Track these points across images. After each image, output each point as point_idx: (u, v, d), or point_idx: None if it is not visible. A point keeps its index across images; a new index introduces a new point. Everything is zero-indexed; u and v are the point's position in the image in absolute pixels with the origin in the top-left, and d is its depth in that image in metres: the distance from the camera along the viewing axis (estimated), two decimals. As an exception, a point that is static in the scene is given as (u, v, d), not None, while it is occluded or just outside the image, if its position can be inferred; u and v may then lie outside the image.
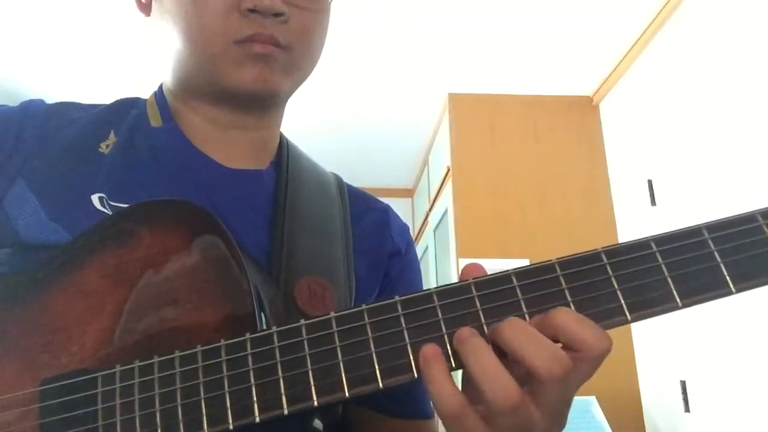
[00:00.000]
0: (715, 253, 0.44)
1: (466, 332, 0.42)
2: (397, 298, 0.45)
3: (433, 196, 3.79)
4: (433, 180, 3.89)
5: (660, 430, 2.58)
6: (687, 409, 2.35)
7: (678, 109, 2.49)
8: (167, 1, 0.65)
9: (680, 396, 2.38)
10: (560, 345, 0.42)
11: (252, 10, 0.61)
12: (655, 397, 2.65)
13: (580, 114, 3.33)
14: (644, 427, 2.68)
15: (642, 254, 0.45)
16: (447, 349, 0.43)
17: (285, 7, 0.62)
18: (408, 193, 4.85)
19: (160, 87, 0.74)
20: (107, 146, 0.65)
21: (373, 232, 0.75)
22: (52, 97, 0.69)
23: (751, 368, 2.00)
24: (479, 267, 0.46)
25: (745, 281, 0.43)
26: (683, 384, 2.38)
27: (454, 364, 0.43)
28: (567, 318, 0.41)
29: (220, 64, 0.63)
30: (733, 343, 2.09)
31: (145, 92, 0.76)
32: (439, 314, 0.44)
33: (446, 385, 0.41)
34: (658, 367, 2.62)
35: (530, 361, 0.40)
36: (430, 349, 0.42)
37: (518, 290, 0.44)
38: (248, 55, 0.63)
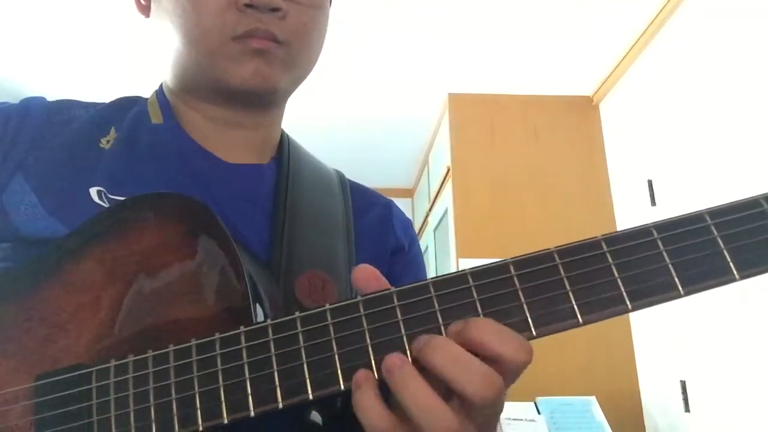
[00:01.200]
0: (718, 239, 0.43)
1: (394, 362, 0.41)
2: (392, 289, 0.44)
3: (433, 196, 3.78)
4: (433, 180, 3.88)
5: (660, 430, 2.58)
6: (687, 409, 2.35)
7: (678, 109, 2.49)
8: (165, 0, 0.65)
9: (680, 396, 2.38)
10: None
11: (249, 6, 0.61)
12: (655, 397, 2.64)
13: (580, 114, 3.32)
14: (644, 427, 2.68)
15: (643, 241, 0.44)
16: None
17: (282, 3, 0.62)
18: (408, 193, 4.85)
19: (161, 86, 0.74)
20: (108, 142, 0.65)
21: (375, 228, 0.75)
22: (51, 96, 0.69)
23: (751, 368, 2.00)
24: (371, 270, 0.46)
25: (749, 268, 0.42)
26: (683, 384, 2.38)
27: None
28: (484, 333, 0.41)
29: (218, 60, 0.63)
30: (733, 343, 2.08)
31: (145, 92, 0.76)
32: (436, 305, 0.43)
33: (375, 410, 0.41)
34: (658, 367, 2.61)
35: (462, 389, 0.39)
36: (361, 375, 0.41)
37: (516, 280, 0.43)
38: (245, 51, 0.63)
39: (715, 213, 0.44)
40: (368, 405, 0.41)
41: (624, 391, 2.73)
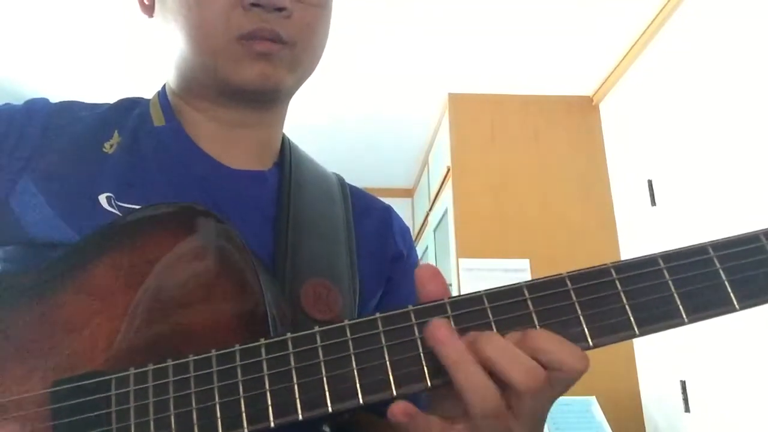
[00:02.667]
0: (721, 271, 0.45)
1: (444, 331, 0.43)
2: (410, 307, 0.45)
3: (433, 196, 3.79)
4: (433, 180, 3.89)
5: (660, 430, 2.59)
6: (687, 409, 2.35)
7: (678, 109, 2.49)
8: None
9: (680, 396, 2.39)
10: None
11: (255, 5, 0.62)
12: (655, 397, 2.65)
13: (580, 114, 3.33)
14: (644, 427, 2.69)
15: (649, 270, 0.46)
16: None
17: (288, 2, 0.63)
18: (408, 193, 4.85)
19: (163, 87, 0.74)
20: (111, 146, 0.65)
21: (375, 233, 0.75)
22: (52, 97, 0.69)
23: (751, 368, 2.01)
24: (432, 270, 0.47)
25: (749, 299, 0.45)
26: (683, 384, 2.38)
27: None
28: (546, 341, 0.43)
29: (222, 60, 0.63)
30: (733, 343, 2.09)
31: (145, 92, 0.76)
32: (453, 325, 0.44)
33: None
34: (658, 367, 2.62)
35: (507, 375, 0.42)
36: (401, 409, 0.43)
37: (530, 303, 0.45)
38: (250, 54, 0.63)
39: (718, 246, 0.46)
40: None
41: (624, 391, 2.74)
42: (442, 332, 0.43)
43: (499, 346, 0.42)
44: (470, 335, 0.44)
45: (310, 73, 0.71)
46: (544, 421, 0.46)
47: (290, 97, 0.74)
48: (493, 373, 0.42)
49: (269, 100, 0.70)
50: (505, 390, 0.42)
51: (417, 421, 0.43)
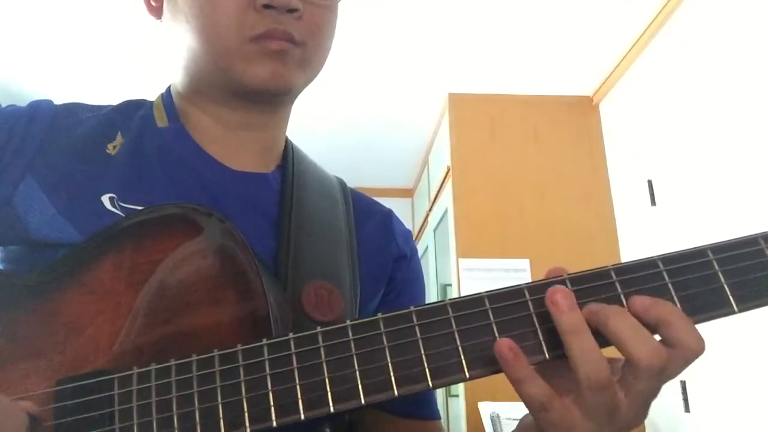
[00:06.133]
0: (719, 274, 0.46)
1: (565, 303, 0.43)
2: (412, 308, 0.46)
3: (433, 196, 3.79)
4: (433, 180, 3.89)
5: (660, 430, 2.59)
6: (687, 409, 2.36)
7: (678, 109, 2.50)
8: (181, 1, 0.66)
9: (680, 396, 2.39)
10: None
11: (267, 6, 0.62)
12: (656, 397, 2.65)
13: (580, 114, 3.33)
14: (644, 427, 2.69)
15: (649, 273, 0.46)
16: (461, 359, 0.44)
17: (299, 4, 0.63)
18: (408, 193, 4.85)
19: (168, 89, 0.75)
20: (114, 147, 0.66)
21: (376, 236, 0.76)
22: (55, 99, 0.69)
23: (751, 368, 2.01)
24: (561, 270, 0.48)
25: (748, 302, 0.45)
26: (683, 384, 2.39)
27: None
28: (674, 314, 0.44)
29: (235, 60, 0.64)
30: (733, 343, 2.09)
31: (148, 93, 0.76)
32: (454, 326, 0.45)
33: (534, 380, 0.43)
34: (658, 367, 2.62)
35: (631, 350, 0.42)
36: (507, 345, 0.43)
37: (530, 305, 0.45)
38: (264, 52, 0.63)
39: (717, 249, 0.47)
40: (527, 375, 0.43)
41: (624, 390, 2.73)
42: (561, 299, 0.44)
43: (624, 321, 0.43)
44: (594, 306, 0.44)
45: (317, 74, 0.71)
46: (652, 401, 0.46)
47: (296, 98, 0.74)
48: (617, 347, 0.43)
49: (278, 100, 0.70)
50: (624, 366, 0.43)
51: (522, 369, 0.43)
